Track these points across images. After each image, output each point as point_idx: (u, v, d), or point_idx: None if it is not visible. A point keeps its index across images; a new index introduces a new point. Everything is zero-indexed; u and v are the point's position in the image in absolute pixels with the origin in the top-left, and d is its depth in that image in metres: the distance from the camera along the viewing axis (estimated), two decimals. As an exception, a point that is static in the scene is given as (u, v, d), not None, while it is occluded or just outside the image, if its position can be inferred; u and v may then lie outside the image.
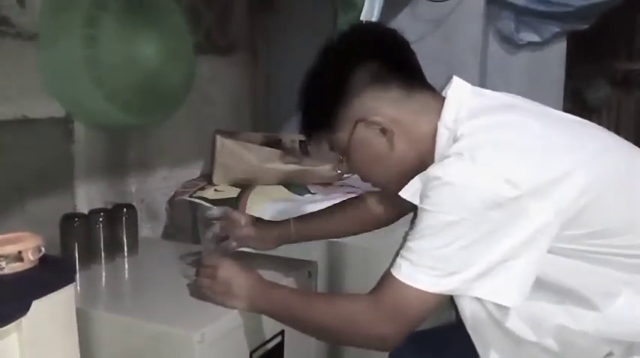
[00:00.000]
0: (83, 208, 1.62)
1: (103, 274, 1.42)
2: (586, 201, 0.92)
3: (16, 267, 0.89)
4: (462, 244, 0.91)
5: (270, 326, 1.26)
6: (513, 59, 2.47)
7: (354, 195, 1.43)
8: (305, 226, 1.38)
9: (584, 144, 1.00)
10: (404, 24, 1.94)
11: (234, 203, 1.77)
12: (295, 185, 1.91)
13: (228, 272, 1.15)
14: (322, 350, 1.66)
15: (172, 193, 1.96)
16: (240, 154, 1.87)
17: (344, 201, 1.42)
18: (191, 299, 1.21)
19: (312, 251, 1.64)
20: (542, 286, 0.96)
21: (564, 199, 0.91)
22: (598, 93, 3.48)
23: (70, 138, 1.63)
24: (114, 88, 1.52)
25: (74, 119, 1.62)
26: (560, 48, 2.48)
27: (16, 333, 0.85)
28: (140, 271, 1.47)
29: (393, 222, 1.36)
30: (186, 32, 1.70)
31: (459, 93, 1.04)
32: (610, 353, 0.99)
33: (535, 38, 2.40)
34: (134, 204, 1.59)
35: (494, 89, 1.12)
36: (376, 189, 1.27)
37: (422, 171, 0.98)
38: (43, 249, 0.93)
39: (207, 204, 1.76)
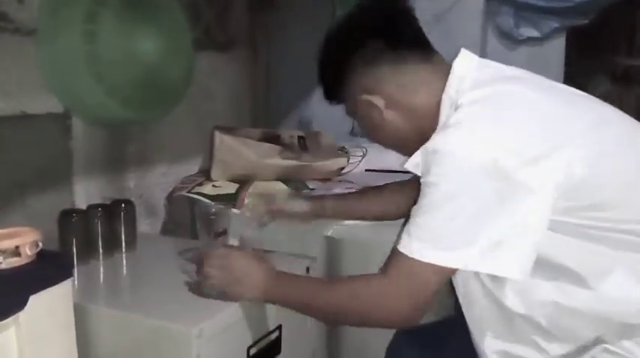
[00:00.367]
0: (82, 204, 1.62)
1: (101, 269, 1.42)
2: (583, 171, 0.93)
3: (14, 261, 0.89)
4: (464, 217, 0.92)
5: (268, 321, 1.27)
6: (513, 54, 2.46)
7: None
8: (340, 203, 1.45)
9: (582, 116, 1.01)
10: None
11: (233, 198, 1.77)
12: (294, 181, 1.91)
13: (240, 261, 1.14)
14: (320, 343, 1.66)
15: (171, 189, 1.96)
16: (239, 150, 1.86)
17: (380, 185, 1.47)
18: (189, 295, 1.22)
19: (311, 246, 1.64)
20: (538, 262, 0.96)
21: (562, 170, 0.92)
22: (598, 89, 3.46)
23: (68, 134, 1.63)
24: (114, 83, 1.52)
25: (73, 115, 1.62)
26: (559, 43, 2.47)
27: (13, 328, 0.85)
28: (138, 267, 1.47)
29: None
30: (185, 28, 1.70)
31: (465, 64, 1.07)
32: (598, 340, 0.98)
33: (535, 33, 2.39)
34: (133, 199, 1.60)
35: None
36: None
37: (427, 140, 1.00)
38: (40, 244, 0.93)
39: (206, 200, 1.76)
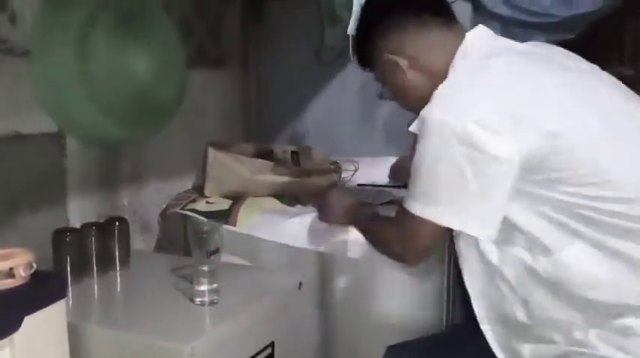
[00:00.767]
0: (76, 222, 1.62)
1: (96, 288, 1.43)
2: (555, 145, 1.00)
3: (8, 283, 0.90)
4: (442, 180, 1.04)
5: (260, 338, 1.28)
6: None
7: None
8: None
9: (573, 91, 1.07)
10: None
11: (226, 215, 1.78)
12: (286, 196, 1.92)
13: (333, 198, 1.50)
14: (314, 360, 1.67)
15: (165, 205, 1.97)
16: (231, 167, 1.87)
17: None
18: (182, 313, 1.23)
19: (303, 262, 1.66)
20: (510, 226, 1.06)
21: (529, 141, 0.99)
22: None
23: (62, 152, 1.64)
24: (107, 101, 1.53)
25: (67, 135, 1.63)
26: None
27: (8, 349, 0.86)
28: (132, 284, 1.48)
29: None
30: (178, 45, 1.71)
31: (475, 35, 1.18)
32: (569, 330, 1.06)
33: (523, 48, 2.41)
34: (126, 217, 1.60)
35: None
36: None
37: None
38: (34, 265, 0.94)
39: (199, 217, 1.77)
